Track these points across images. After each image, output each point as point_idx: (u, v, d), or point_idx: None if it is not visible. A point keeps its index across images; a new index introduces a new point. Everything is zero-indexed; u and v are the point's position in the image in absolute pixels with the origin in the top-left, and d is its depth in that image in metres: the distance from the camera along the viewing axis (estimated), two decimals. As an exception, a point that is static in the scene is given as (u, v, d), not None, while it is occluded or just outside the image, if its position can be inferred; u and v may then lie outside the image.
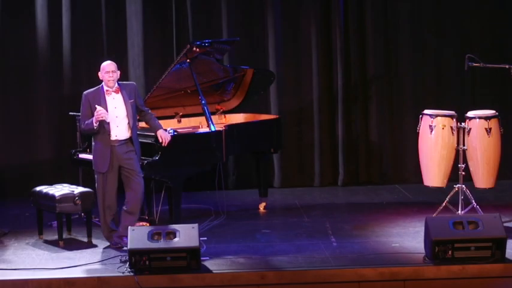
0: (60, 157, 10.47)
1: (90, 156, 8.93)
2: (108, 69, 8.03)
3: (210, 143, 8.69)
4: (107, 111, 7.95)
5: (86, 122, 8.02)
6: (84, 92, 8.11)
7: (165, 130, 8.30)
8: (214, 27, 10.71)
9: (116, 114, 8.02)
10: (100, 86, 8.10)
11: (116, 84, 8.07)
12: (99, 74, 8.10)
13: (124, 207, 8.12)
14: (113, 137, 8.02)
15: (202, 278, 7.31)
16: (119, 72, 8.12)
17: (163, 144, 8.19)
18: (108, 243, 8.23)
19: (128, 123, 8.05)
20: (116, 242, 8.12)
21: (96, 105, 7.96)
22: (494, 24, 10.89)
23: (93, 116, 7.95)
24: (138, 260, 7.30)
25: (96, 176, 8.15)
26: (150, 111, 8.35)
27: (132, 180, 8.04)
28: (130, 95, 8.11)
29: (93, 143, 8.19)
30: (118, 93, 8.06)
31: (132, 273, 7.29)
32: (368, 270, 7.36)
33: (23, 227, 8.94)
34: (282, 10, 10.78)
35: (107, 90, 8.05)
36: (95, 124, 7.93)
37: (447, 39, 10.86)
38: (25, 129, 10.66)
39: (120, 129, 8.04)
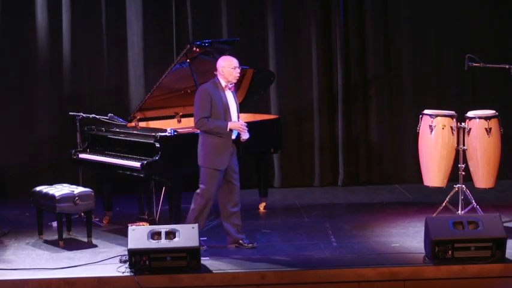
0: (60, 157, 10.46)
1: (90, 156, 8.95)
2: (236, 64, 7.74)
3: (210, 143, 8.67)
4: (228, 107, 7.75)
5: (217, 123, 7.70)
6: (204, 86, 7.79)
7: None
8: (214, 27, 10.71)
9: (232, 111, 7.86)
10: (213, 80, 7.79)
11: None
12: (221, 69, 7.72)
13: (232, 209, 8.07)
14: (232, 136, 7.85)
15: (202, 278, 7.31)
16: None
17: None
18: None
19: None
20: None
21: (241, 120, 7.81)
22: (494, 24, 10.89)
23: (210, 109, 7.66)
24: (138, 260, 7.29)
25: (207, 173, 7.89)
26: None
27: (232, 183, 8.01)
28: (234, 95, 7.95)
29: (204, 138, 7.85)
30: (232, 90, 7.85)
31: (132, 273, 7.28)
32: (368, 270, 7.35)
33: (23, 227, 8.93)
34: (282, 10, 10.78)
35: (224, 86, 7.78)
36: (227, 130, 7.74)
37: (447, 39, 10.86)
38: (25, 129, 10.65)
39: None
